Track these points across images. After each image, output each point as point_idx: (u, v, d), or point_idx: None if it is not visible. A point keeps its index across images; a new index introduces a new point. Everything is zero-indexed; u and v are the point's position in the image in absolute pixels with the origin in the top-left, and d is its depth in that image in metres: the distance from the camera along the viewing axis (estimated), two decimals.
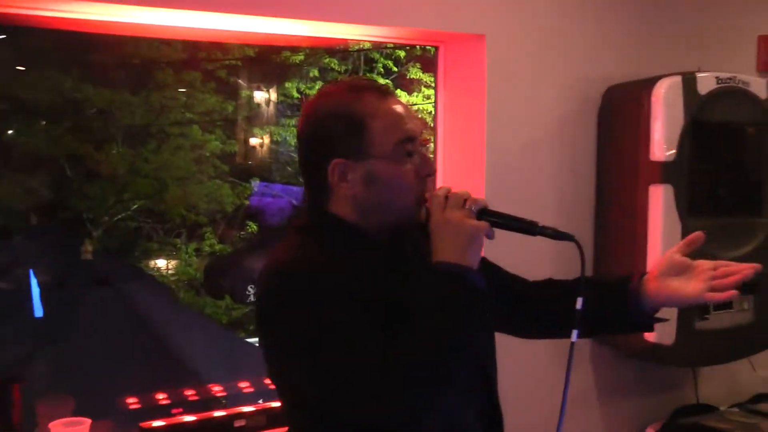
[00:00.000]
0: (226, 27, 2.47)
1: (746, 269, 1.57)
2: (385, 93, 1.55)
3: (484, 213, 1.48)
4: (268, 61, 11.94)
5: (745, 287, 2.69)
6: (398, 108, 1.53)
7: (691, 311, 2.63)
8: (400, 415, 1.35)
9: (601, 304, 1.63)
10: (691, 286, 1.58)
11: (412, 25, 2.58)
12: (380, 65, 11.37)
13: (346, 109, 1.51)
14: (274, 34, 2.64)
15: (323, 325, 1.36)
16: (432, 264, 1.43)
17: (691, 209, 2.67)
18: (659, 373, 3.00)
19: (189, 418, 2.35)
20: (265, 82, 12.41)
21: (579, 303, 1.52)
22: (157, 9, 2.21)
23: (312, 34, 2.57)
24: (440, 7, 2.59)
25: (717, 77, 2.74)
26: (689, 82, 2.68)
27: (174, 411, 2.53)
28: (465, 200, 1.47)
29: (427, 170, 1.54)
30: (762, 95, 2.82)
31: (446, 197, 1.48)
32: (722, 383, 3.14)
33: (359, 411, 1.35)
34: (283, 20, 2.39)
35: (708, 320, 2.68)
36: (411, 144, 1.52)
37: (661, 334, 2.60)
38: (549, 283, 1.78)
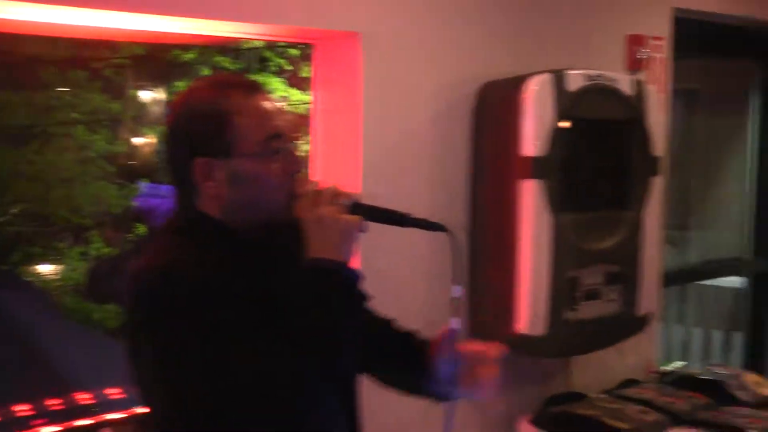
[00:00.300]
0: (109, 24, 2.39)
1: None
2: (253, 89, 1.54)
3: (355, 207, 1.49)
4: (157, 59, 11.67)
5: (614, 278, 2.84)
6: (266, 104, 1.52)
7: (560, 302, 2.71)
8: (278, 415, 1.35)
9: (404, 374, 1.71)
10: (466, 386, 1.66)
11: (285, 22, 2.57)
12: (273, 64, 11.27)
13: (211, 106, 1.50)
14: (154, 31, 2.58)
15: (203, 325, 1.35)
16: (306, 261, 1.44)
17: (561, 204, 2.74)
18: (531, 365, 3.04)
19: (49, 429, 2.24)
20: (155, 81, 12.13)
21: (456, 291, 1.56)
22: (42, 6, 2.12)
23: (181, 30, 2.52)
24: (314, 5, 2.58)
25: (586, 75, 2.83)
26: (559, 79, 2.75)
27: (36, 423, 2.43)
28: (336, 195, 1.48)
29: (294, 167, 1.54)
30: (628, 92, 2.93)
31: (316, 193, 1.48)
32: (594, 372, 3.23)
33: (236, 411, 1.34)
34: (151, 16, 2.34)
35: (577, 311, 2.77)
36: (278, 141, 1.51)
37: (531, 325, 2.67)
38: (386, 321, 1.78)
